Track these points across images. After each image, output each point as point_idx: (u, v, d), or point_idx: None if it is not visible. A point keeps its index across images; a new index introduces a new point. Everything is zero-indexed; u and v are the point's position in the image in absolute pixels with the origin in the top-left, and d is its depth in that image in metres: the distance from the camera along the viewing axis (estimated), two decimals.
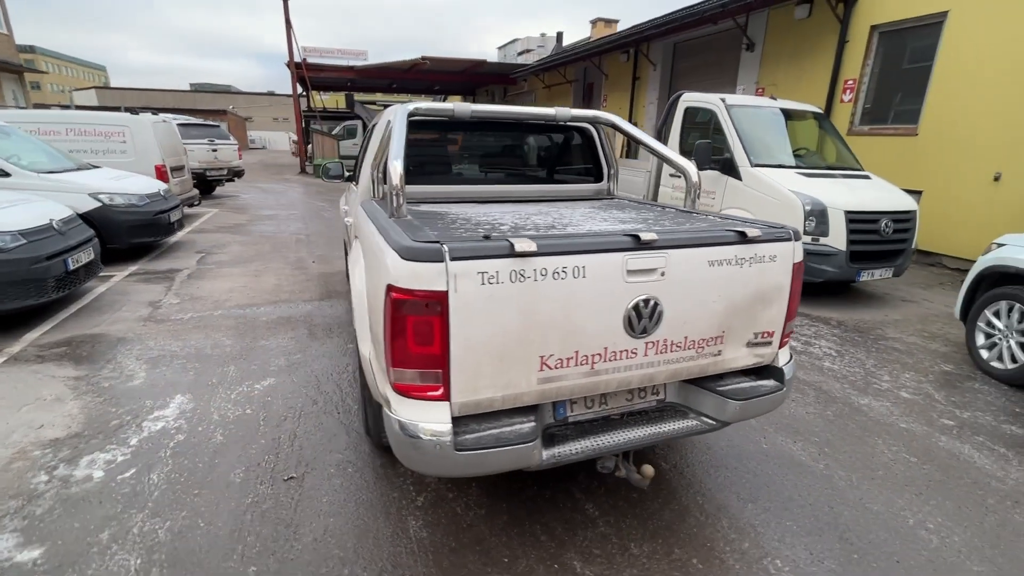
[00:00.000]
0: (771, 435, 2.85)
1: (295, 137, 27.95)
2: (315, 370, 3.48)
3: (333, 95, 32.03)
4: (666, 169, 6.38)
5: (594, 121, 2.83)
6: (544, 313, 1.60)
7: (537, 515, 2.18)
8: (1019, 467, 2.63)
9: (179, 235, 7.64)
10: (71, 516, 2.09)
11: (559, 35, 24.53)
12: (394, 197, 2.00)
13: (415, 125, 2.90)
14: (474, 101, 25.46)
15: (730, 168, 5.51)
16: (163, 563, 1.88)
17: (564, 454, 1.74)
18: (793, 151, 5.84)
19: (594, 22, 23.14)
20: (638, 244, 1.69)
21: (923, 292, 5.83)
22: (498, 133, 3.51)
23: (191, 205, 9.10)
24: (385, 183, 2.84)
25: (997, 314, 3.69)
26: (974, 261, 3.96)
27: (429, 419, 1.58)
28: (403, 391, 1.61)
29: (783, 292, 1.99)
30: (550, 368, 1.67)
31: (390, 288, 1.53)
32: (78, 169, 6.22)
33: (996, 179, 6.37)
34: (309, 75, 20.14)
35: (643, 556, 1.98)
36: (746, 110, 5.80)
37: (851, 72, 8.14)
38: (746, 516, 2.22)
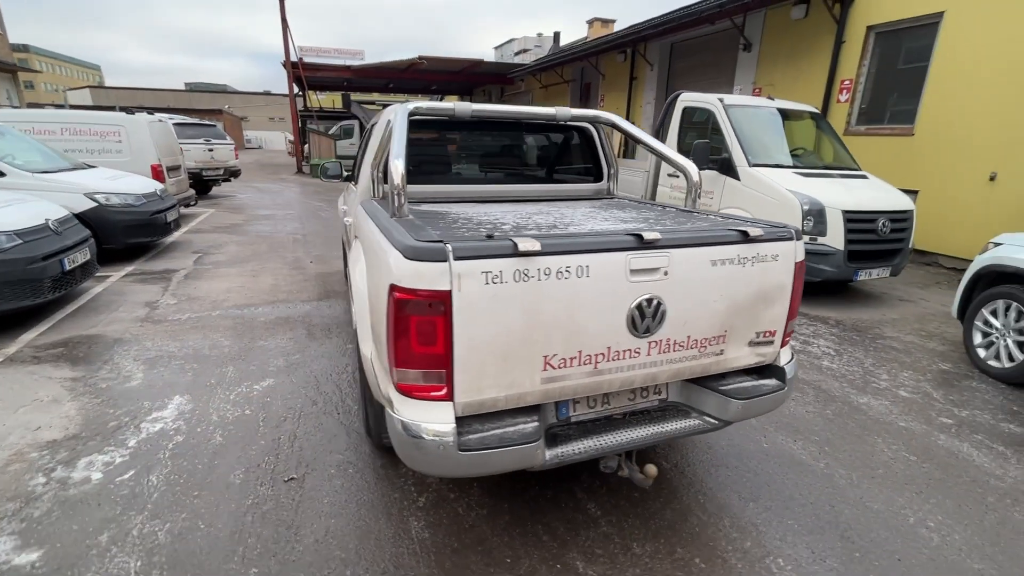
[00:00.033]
0: (771, 434, 2.85)
1: (291, 137, 27.85)
2: (314, 370, 3.46)
3: (330, 95, 31.96)
4: (664, 169, 6.39)
5: (594, 121, 2.83)
6: (548, 313, 1.60)
7: (539, 515, 2.18)
8: (1018, 465, 2.64)
9: (176, 235, 7.60)
10: (69, 518, 2.08)
11: (556, 35, 24.54)
12: (395, 197, 1.99)
13: (415, 124, 2.90)
14: (471, 101, 25.44)
15: (728, 168, 5.52)
16: (163, 565, 1.86)
17: (567, 454, 1.74)
18: (790, 151, 5.86)
19: (591, 22, 23.18)
20: (641, 243, 1.68)
21: (920, 291, 5.85)
22: (498, 133, 3.50)
23: (187, 205, 9.05)
24: (385, 183, 2.83)
25: (994, 313, 3.71)
26: (970, 260, 3.98)
27: (432, 419, 1.58)
28: (406, 391, 1.60)
29: (785, 291, 1.99)
30: (553, 368, 1.67)
31: (393, 288, 1.52)
32: (73, 169, 6.18)
33: (992, 179, 6.41)
34: (305, 75, 20.08)
35: (645, 556, 1.98)
36: (744, 110, 5.82)
37: (848, 72, 8.17)
38: (747, 515, 2.22)
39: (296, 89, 20.73)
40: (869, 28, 7.85)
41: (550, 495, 2.30)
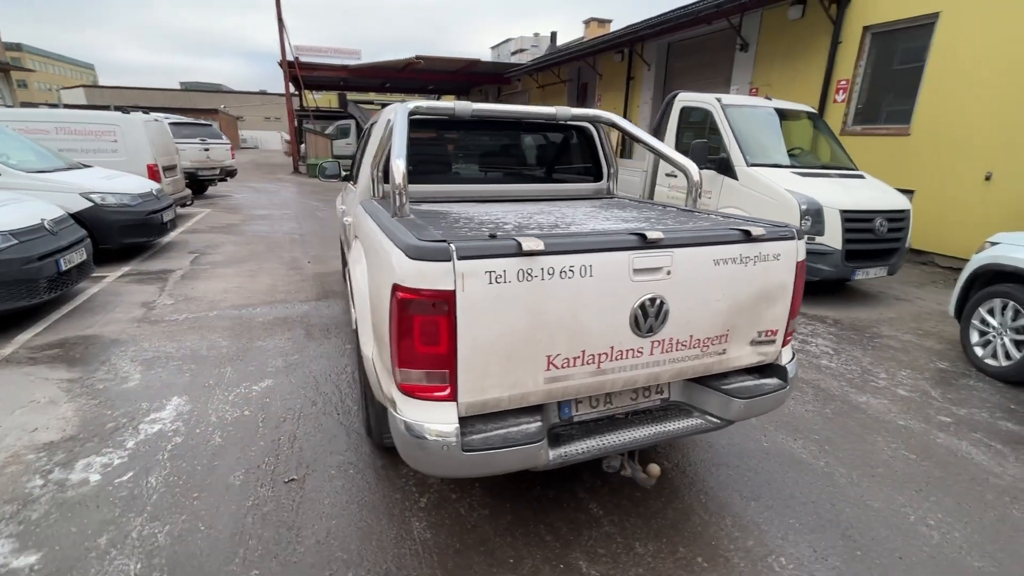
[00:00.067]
0: (771, 433, 2.86)
1: (287, 136, 27.76)
2: (313, 371, 3.45)
3: (326, 94, 31.87)
4: (662, 168, 6.40)
5: (594, 120, 2.83)
6: (551, 312, 1.59)
7: (541, 515, 2.17)
8: (1016, 463, 2.66)
9: (172, 235, 7.56)
10: (68, 521, 2.06)
11: (553, 35, 24.54)
12: (397, 196, 1.98)
13: (415, 124, 2.89)
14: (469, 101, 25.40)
15: (726, 168, 5.53)
16: (163, 567, 1.85)
17: (570, 454, 1.73)
18: (788, 151, 5.88)
19: (587, 22, 23.22)
20: (644, 243, 1.68)
21: (916, 290, 5.88)
22: (498, 132, 3.49)
23: (183, 205, 9.00)
24: (385, 182, 2.82)
25: (991, 312, 3.73)
26: (966, 260, 4.01)
27: (435, 420, 1.57)
28: (409, 391, 1.60)
29: (786, 290, 2.00)
30: (557, 368, 1.66)
31: (396, 288, 1.51)
32: (68, 168, 6.14)
33: (987, 179, 6.45)
34: (302, 74, 20.01)
35: (648, 555, 1.98)
36: (742, 110, 5.83)
37: (844, 72, 8.21)
38: (749, 514, 2.23)
39: (292, 89, 20.65)
40: (865, 28, 7.88)
41: (552, 495, 2.29)
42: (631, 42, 12.64)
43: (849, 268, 4.99)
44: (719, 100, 5.81)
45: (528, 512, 2.19)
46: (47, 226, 4.19)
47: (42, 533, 1.99)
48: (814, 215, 4.88)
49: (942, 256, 7.01)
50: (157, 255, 6.58)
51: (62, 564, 1.85)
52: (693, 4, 9.96)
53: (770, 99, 6.29)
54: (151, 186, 6.69)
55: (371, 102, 26.81)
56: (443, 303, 1.48)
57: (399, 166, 1.97)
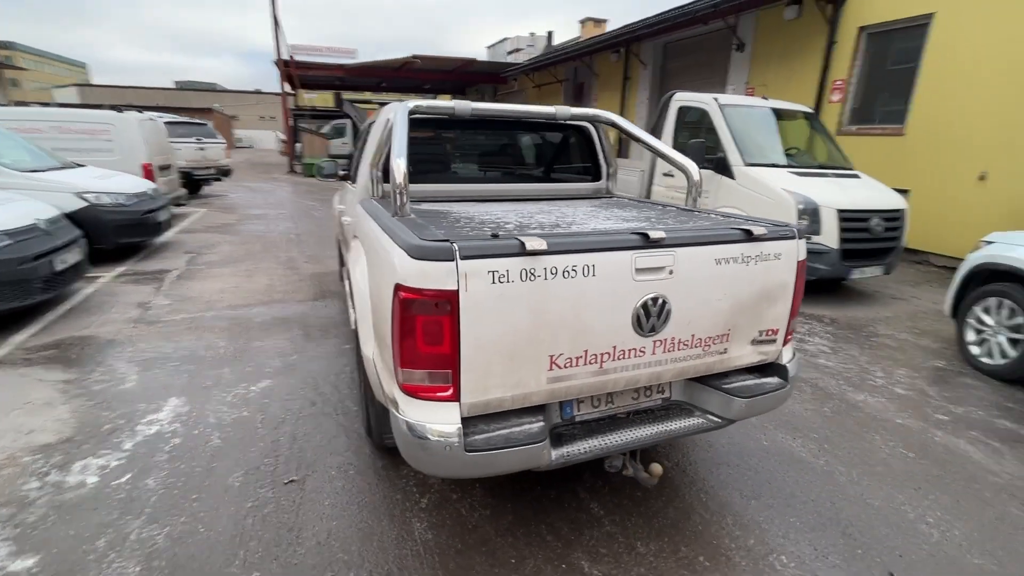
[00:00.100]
0: (771, 432, 2.87)
1: (283, 136, 27.64)
2: (312, 371, 3.43)
3: (321, 94, 31.74)
4: (659, 168, 6.41)
5: (594, 120, 2.83)
6: (554, 312, 1.59)
7: (542, 515, 2.17)
8: (1013, 460, 2.68)
9: (167, 235, 7.51)
10: (65, 523, 2.04)
11: (549, 34, 24.55)
12: (397, 196, 1.98)
13: (414, 123, 2.87)
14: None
15: (723, 167, 5.54)
16: (163, 570, 1.84)
17: (573, 454, 1.73)
18: (784, 151, 5.89)
19: (583, 22, 23.23)
20: (647, 242, 1.68)
21: (912, 289, 5.92)
22: (497, 131, 3.49)
23: (179, 205, 8.96)
24: (385, 182, 2.81)
25: (987, 310, 3.75)
26: (960, 259, 4.03)
27: (438, 420, 1.57)
28: (411, 392, 1.59)
29: (787, 290, 2.00)
30: (559, 367, 1.66)
31: (398, 287, 1.50)
32: (62, 168, 6.09)
33: (981, 178, 6.49)
34: (297, 73, 19.93)
35: (650, 554, 1.98)
36: (739, 110, 5.84)
37: (839, 73, 8.24)
38: (750, 513, 2.23)
39: (288, 88, 20.56)
40: (861, 29, 7.92)
41: (553, 495, 2.29)
42: (627, 42, 12.66)
43: (846, 267, 5.01)
44: (716, 100, 5.82)
45: (529, 512, 2.19)
46: (42, 226, 4.15)
47: (39, 536, 1.97)
48: (811, 215, 4.90)
49: (937, 255, 7.06)
50: (153, 255, 6.54)
51: (60, 567, 1.83)
52: (689, 4, 9.98)
53: (767, 99, 6.31)
54: (146, 185, 6.64)
55: (369, 101, 26.67)
56: (446, 303, 1.47)
57: (400, 165, 1.96)
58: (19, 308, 3.88)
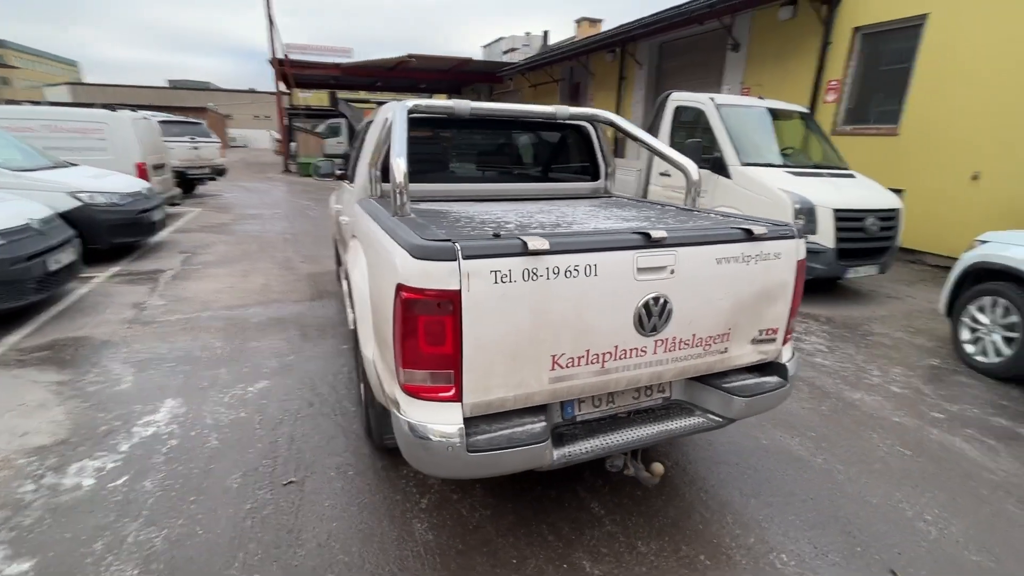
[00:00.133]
0: (769, 430, 2.88)
1: (277, 135, 27.49)
2: (309, 371, 3.42)
3: (316, 93, 31.61)
4: (656, 168, 6.42)
5: (593, 119, 2.83)
6: (556, 312, 1.59)
7: (543, 515, 2.17)
8: (1008, 458, 2.70)
9: (162, 235, 7.45)
10: (62, 526, 2.02)
11: (545, 34, 24.57)
12: (398, 195, 1.97)
13: (412, 123, 2.86)
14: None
15: (720, 167, 5.56)
16: (162, 572, 1.82)
17: (575, 453, 1.73)
18: (780, 150, 5.92)
19: (579, 21, 23.24)
20: (648, 242, 1.68)
21: (906, 288, 5.96)
22: (495, 131, 3.48)
23: (173, 204, 8.88)
24: (383, 181, 2.80)
25: (981, 309, 3.78)
26: (954, 258, 4.06)
27: (440, 420, 1.56)
28: (413, 392, 1.58)
29: (787, 289, 2.01)
30: (561, 367, 1.66)
31: (400, 287, 1.50)
32: (55, 167, 6.03)
33: (974, 178, 6.54)
34: (292, 72, 19.83)
35: (651, 554, 1.99)
36: (735, 109, 5.86)
37: (834, 73, 8.29)
38: (750, 511, 2.24)
39: (282, 87, 20.46)
40: (855, 29, 7.96)
41: (554, 495, 2.29)
42: (623, 42, 12.67)
43: (841, 266, 5.04)
44: (713, 100, 5.84)
45: (530, 512, 2.18)
46: (35, 226, 4.11)
47: (35, 539, 1.95)
48: (807, 214, 4.92)
49: (931, 255, 7.11)
50: (147, 255, 6.48)
51: (57, 571, 1.81)
52: (685, 4, 10.00)
53: (763, 99, 6.33)
54: (140, 185, 6.59)
55: (367, 100, 26.56)
56: (448, 303, 1.46)
57: (400, 165, 1.95)
58: (12, 309, 3.84)
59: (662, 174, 6.31)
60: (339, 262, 4.44)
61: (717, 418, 1.99)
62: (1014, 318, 3.51)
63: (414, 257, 1.47)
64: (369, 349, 2.02)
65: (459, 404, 1.57)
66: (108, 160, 7.26)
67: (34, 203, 4.48)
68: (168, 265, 6.03)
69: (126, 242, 6.22)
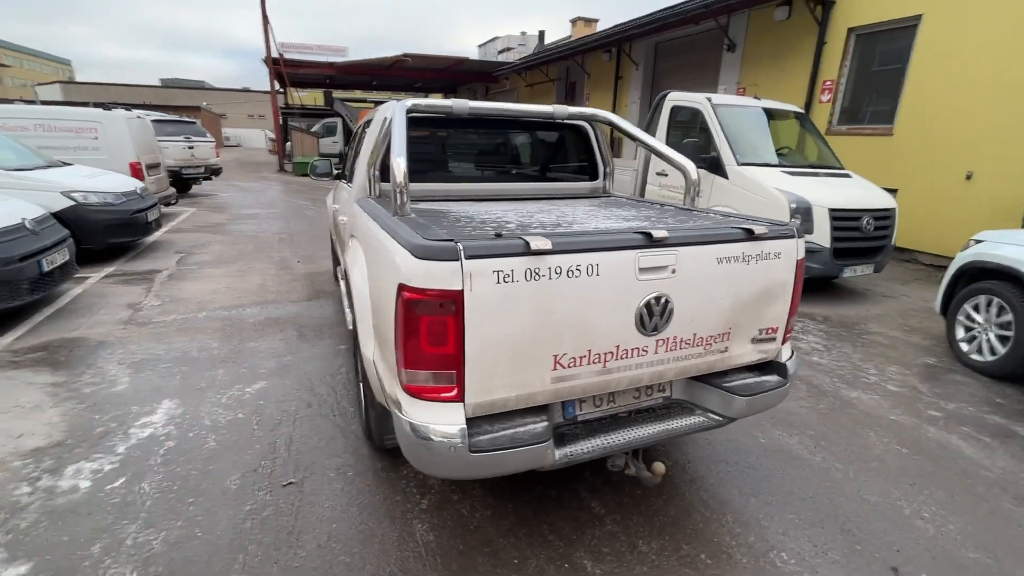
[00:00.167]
0: (767, 429, 2.89)
1: (272, 134, 27.36)
2: (307, 372, 3.40)
3: (311, 92, 31.48)
4: (653, 167, 6.43)
5: (592, 119, 2.83)
6: (558, 312, 1.59)
7: (544, 515, 2.17)
8: (1004, 455, 2.72)
9: (157, 235, 7.41)
10: (59, 529, 2.00)
11: (541, 34, 24.56)
12: (398, 195, 1.96)
13: (411, 122, 2.85)
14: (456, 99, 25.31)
15: (716, 167, 5.58)
16: (162, 575, 1.81)
17: (576, 453, 1.73)
18: (776, 150, 5.94)
19: (574, 21, 23.27)
20: (650, 241, 1.68)
21: (901, 287, 6.00)
22: (494, 130, 3.48)
23: (168, 204, 8.82)
24: (382, 181, 2.79)
25: (976, 308, 3.81)
26: (948, 257, 4.10)
27: (443, 421, 1.55)
28: (415, 393, 1.58)
29: (787, 288, 2.02)
30: (563, 367, 1.66)
31: (402, 288, 1.49)
32: (48, 166, 5.97)
33: (968, 178, 6.60)
34: (287, 71, 19.75)
35: (652, 553, 1.99)
36: (732, 109, 5.88)
37: (829, 73, 8.33)
38: (749, 510, 2.25)
39: (277, 86, 20.37)
40: (850, 30, 8.00)
41: (554, 495, 2.29)
42: (619, 41, 12.69)
43: (837, 266, 5.07)
44: (710, 100, 5.85)
45: (530, 512, 2.18)
46: (28, 226, 4.07)
47: (32, 543, 1.93)
48: (803, 214, 4.95)
49: (925, 254, 7.16)
50: (142, 255, 6.44)
51: (55, 574, 1.80)
52: (681, 4, 10.03)
53: (759, 99, 6.35)
54: (135, 184, 6.55)
55: (365, 99, 26.44)
56: (451, 303, 1.46)
57: (400, 164, 1.95)
58: (6, 310, 3.80)
59: (659, 173, 6.33)
60: (336, 262, 4.42)
61: (717, 417, 1.99)
62: (1008, 316, 3.54)
63: (416, 257, 1.46)
64: (369, 349, 2.01)
65: (461, 404, 1.57)
66: (102, 159, 7.22)
67: (28, 203, 4.44)
68: (163, 265, 5.99)
69: (121, 242, 6.17)
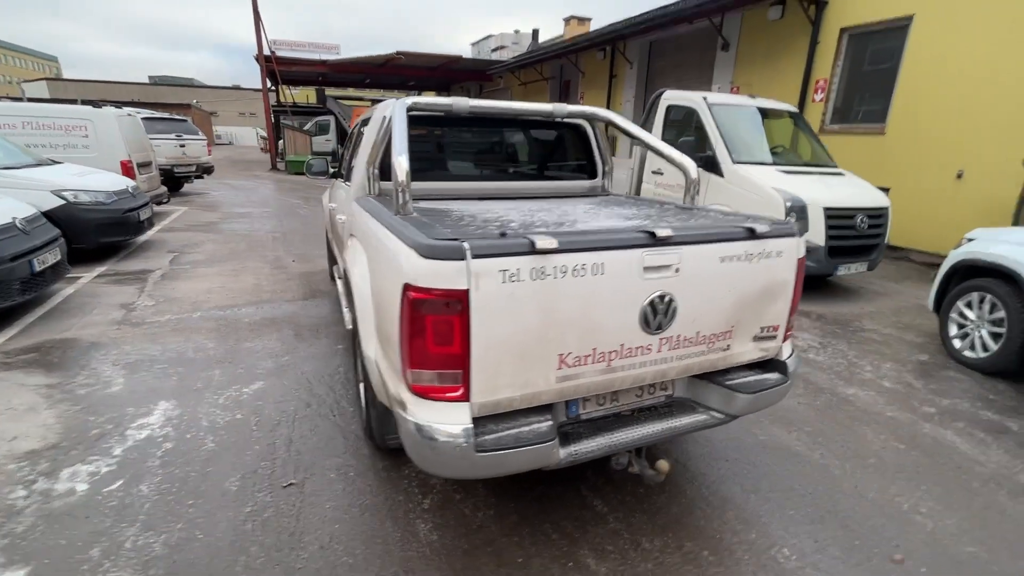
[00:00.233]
0: (766, 426, 2.91)
1: (264, 133, 27.14)
2: (305, 372, 3.38)
3: (304, 90, 31.27)
4: (648, 165, 6.45)
5: (591, 118, 2.83)
6: (563, 311, 1.58)
7: (546, 514, 2.17)
8: (998, 451, 2.76)
9: (149, 234, 7.32)
10: (56, 533, 1.97)
11: (535, 32, 24.53)
12: (400, 194, 1.95)
13: (410, 121, 2.84)
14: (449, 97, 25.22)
15: (712, 165, 5.60)
16: None
17: (581, 452, 1.73)
18: (771, 149, 5.98)
19: (567, 20, 23.24)
20: (654, 240, 1.68)
21: (894, 285, 6.06)
22: (494, 129, 3.47)
23: (159, 203, 8.73)
24: (382, 179, 2.78)
25: (969, 305, 3.86)
26: (940, 255, 4.14)
27: (448, 421, 1.55)
28: (421, 392, 1.57)
29: (788, 287, 2.03)
30: (568, 366, 1.65)
31: (407, 287, 1.48)
32: (38, 165, 5.88)
33: (959, 176, 6.68)
34: (279, 69, 19.59)
35: (655, 550, 2.00)
36: (727, 108, 5.91)
37: (822, 72, 8.39)
38: (750, 507, 2.26)
39: (269, 84, 20.20)
40: (842, 30, 8.07)
41: (556, 493, 2.29)
42: (613, 41, 12.71)
43: (832, 264, 5.11)
44: (705, 99, 5.87)
45: (533, 511, 2.18)
46: (19, 225, 4.01)
47: (29, 547, 1.90)
48: (798, 212, 4.98)
49: (917, 252, 7.24)
50: (134, 254, 6.37)
51: None
52: (675, 4, 10.06)
53: (754, 98, 6.38)
54: (126, 183, 6.47)
55: (359, 98, 26.26)
56: (457, 302, 1.45)
57: (402, 163, 1.94)
58: None
59: (655, 172, 6.34)
60: (332, 261, 4.39)
61: (719, 415, 2.00)
62: (1001, 313, 3.59)
63: (422, 256, 1.45)
64: (371, 349, 2.00)
65: (467, 404, 1.56)
66: (92, 158, 7.12)
67: (18, 202, 4.37)
68: (156, 265, 5.92)
69: (112, 241, 6.10)
